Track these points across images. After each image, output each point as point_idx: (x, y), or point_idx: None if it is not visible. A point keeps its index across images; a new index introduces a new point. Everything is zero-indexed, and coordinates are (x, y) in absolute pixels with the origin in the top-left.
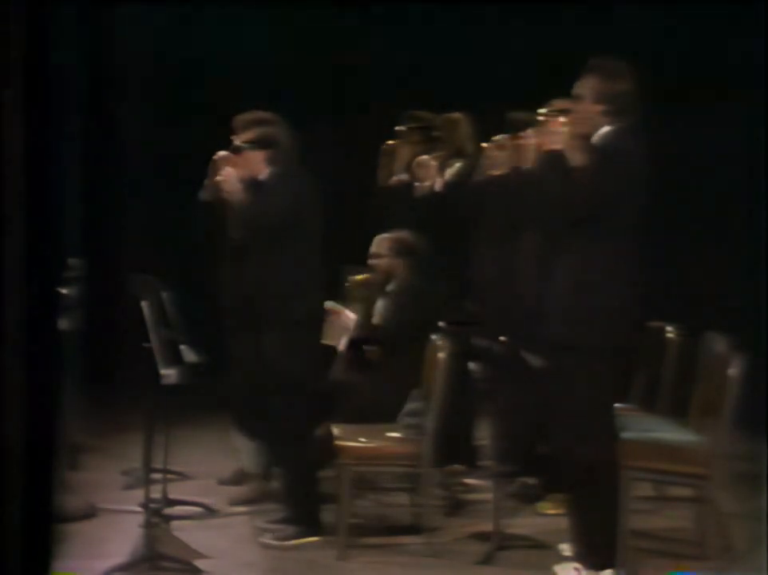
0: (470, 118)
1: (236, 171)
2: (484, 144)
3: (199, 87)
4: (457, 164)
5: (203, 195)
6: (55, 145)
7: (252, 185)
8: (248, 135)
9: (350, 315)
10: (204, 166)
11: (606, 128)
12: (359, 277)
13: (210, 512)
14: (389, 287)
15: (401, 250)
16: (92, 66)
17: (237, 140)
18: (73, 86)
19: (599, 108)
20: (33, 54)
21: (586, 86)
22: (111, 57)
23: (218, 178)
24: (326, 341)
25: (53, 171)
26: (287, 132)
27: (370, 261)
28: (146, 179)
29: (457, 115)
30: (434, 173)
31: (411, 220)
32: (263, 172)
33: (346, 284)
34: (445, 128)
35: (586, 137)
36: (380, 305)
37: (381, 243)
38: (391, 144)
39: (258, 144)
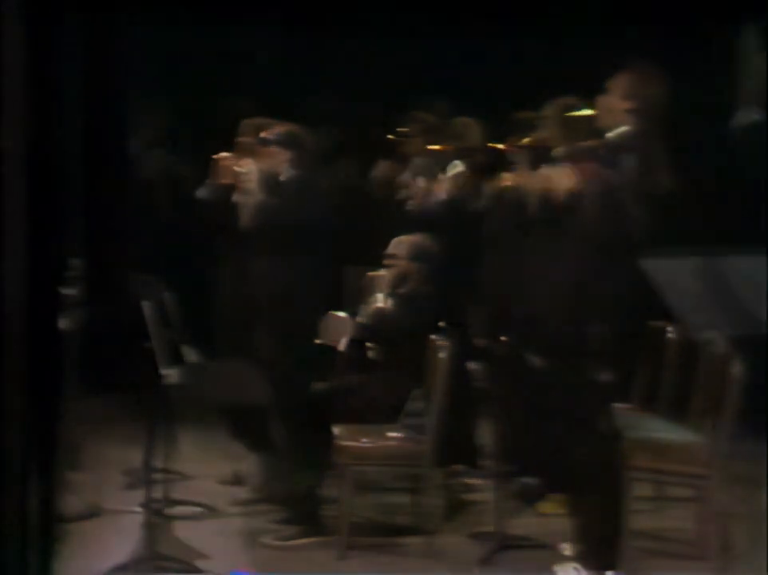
0: (478, 122)
1: (258, 165)
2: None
3: (200, 89)
4: (458, 165)
5: (202, 193)
6: (56, 145)
7: (272, 183)
8: (276, 130)
9: (349, 317)
10: (205, 167)
11: (624, 128)
12: (373, 274)
13: (210, 512)
14: (401, 290)
15: (419, 254)
16: (93, 66)
17: (264, 134)
18: (75, 86)
19: (625, 105)
20: (34, 55)
21: (617, 82)
22: (112, 57)
23: (238, 169)
24: (325, 341)
25: (54, 171)
26: (310, 137)
27: (387, 261)
28: (147, 178)
29: (466, 119)
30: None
31: (416, 223)
32: (285, 173)
33: (367, 278)
34: (455, 132)
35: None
36: (388, 306)
37: (400, 245)
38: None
39: (284, 142)
